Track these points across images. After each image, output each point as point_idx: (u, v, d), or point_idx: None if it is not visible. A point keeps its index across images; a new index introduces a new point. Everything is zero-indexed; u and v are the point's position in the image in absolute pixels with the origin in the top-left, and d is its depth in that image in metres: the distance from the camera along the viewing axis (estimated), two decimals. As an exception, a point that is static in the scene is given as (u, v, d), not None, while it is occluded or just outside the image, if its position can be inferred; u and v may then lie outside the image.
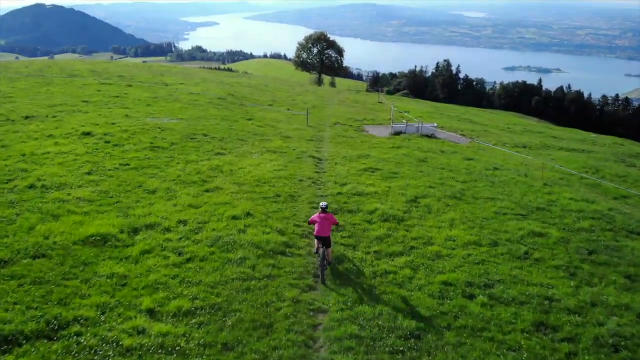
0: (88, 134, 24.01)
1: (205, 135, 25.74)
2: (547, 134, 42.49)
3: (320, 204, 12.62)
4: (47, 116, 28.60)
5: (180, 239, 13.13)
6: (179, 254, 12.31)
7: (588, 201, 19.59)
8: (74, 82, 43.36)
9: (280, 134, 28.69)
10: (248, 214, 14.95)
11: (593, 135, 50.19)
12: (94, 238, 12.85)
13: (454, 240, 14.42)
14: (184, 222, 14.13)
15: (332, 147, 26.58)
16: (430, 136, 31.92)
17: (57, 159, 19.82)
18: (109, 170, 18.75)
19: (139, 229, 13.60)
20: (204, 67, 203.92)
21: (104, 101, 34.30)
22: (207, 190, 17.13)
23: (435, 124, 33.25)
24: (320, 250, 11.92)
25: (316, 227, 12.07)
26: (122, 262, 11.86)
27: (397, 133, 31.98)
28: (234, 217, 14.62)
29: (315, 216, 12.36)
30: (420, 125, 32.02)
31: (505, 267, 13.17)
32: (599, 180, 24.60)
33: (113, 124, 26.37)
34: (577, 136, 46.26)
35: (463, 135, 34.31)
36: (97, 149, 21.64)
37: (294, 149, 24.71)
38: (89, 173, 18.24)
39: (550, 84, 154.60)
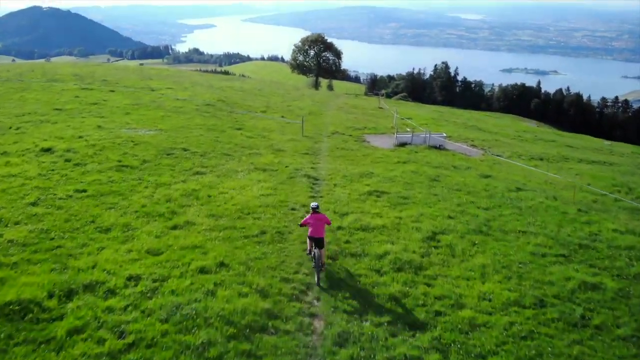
0: (48, 150, 20.56)
1: (185, 150, 22.31)
2: (560, 143, 39.17)
3: (311, 204, 12.23)
4: (10, 128, 25.17)
5: (126, 307, 9.66)
6: (120, 335, 8.86)
7: (635, 234, 16.25)
8: (52, 87, 39.91)
9: (272, 147, 25.30)
10: (222, 265, 11.51)
11: (606, 142, 47.02)
12: (11, 308, 9.43)
13: (490, 300, 11.02)
14: (136, 280, 10.66)
15: (330, 162, 23.20)
16: (439, 148, 28.58)
17: (1, 184, 16.38)
18: (60, 199, 15.29)
19: (75, 291, 10.15)
20: (200, 70, 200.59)
21: (79, 109, 30.86)
22: (174, 227, 13.69)
23: (444, 134, 29.89)
24: (314, 252, 11.53)
25: (310, 228, 11.74)
26: (39, 350, 8.44)
27: (402, 144, 28.64)
28: (203, 270, 11.16)
29: (307, 218, 11.96)
30: (427, 135, 28.65)
31: (560, 342, 9.80)
32: (635, 203, 21.24)
33: (80, 137, 22.91)
34: (591, 144, 42.98)
35: (474, 146, 30.97)
36: (53, 169, 18.17)
37: (286, 166, 21.32)
38: (33, 204, 14.79)
39: (547, 86, 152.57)
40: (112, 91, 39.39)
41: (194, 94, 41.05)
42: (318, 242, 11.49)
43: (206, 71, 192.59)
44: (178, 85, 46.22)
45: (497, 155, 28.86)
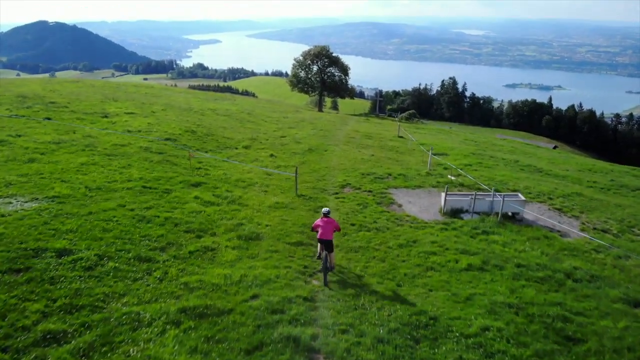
0: None
1: (62, 254, 11.18)
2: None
3: (323, 209, 12.26)
4: None
5: None
6: None
7: None
8: (-33, 113, 28.96)
9: (239, 230, 14.16)
10: None
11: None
12: None
13: None
14: None
15: (340, 270, 12.06)
16: (515, 218, 17.41)
17: None
18: None
19: None
20: (202, 85, 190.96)
21: (-38, 152, 19.86)
22: None
23: (520, 195, 18.56)
24: (323, 254, 11.48)
25: (319, 231, 11.71)
26: None
27: (456, 211, 17.46)
28: None
29: (318, 221, 11.98)
30: (497, 198, 17.37)
31: None
32: None
33: None
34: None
35: (559, 210, 19.68)
36: None
37: (253, 296, 10.18)
38: None
39: (552, 101, 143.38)
40: (48, 119, 28.47)
41: (157, 122, 30.09)
42: (327, 244, 11.56)
43: (208, 87, 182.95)
44: (144, 109, 35.26)
45: (603, 231, 17.63)
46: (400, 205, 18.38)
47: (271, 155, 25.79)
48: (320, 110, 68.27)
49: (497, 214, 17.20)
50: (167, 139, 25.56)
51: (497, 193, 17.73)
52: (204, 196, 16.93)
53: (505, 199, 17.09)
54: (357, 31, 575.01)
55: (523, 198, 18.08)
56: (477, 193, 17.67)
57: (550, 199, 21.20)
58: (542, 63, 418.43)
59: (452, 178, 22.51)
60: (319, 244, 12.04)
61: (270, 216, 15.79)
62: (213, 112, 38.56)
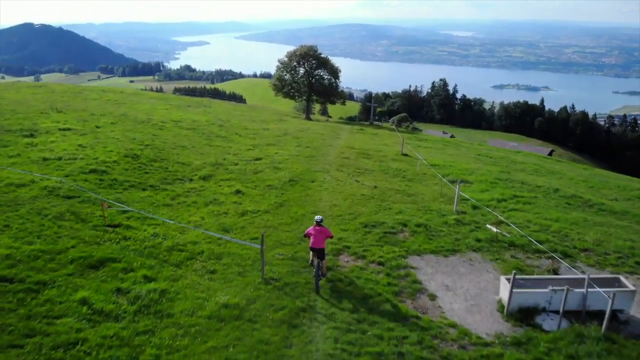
0: None
1: None
2: None
3: (315, 217, 11.90)
4: None
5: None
6: None
7: None
8: None
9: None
10: None
11: None
12: None
13: None
14: None
15: None
16: (617, 319, 10.28)
17: None
18: None
19: None
20: (188, 87, 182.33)
21: None
22: None
23: (625, 280, 11.32)
24: (315, 262, 11.29)
25: (311, 239, 11.47)
26: None
27: (527, 313, 10.26)
28: None
29: (310, 229, 11.69)
30: (594, 290, 10.17)
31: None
32: None
33: None
34: None
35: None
36: None
37: None
38: None
39: (538, 101, 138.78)
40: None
41: (92, 143, 22.53)
42: (319, 252, 11.32)
43: (194, 89, 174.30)
44: (87, 123, 27.63)
45: None
46: (433, 297, 11.11)
47: (237, 191, 18.40)
48: (307, 117, 60.61)
49: (590, 313, 10.04)
50: (91, 171, 18.05)
51: (591, 277, 10.51)
52: (96, 297, 9.53)
53: (608, 290, 9.85)
54: (346, 33, 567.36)
55: (632, 287, 10.84)
56: (563, 277, 10.44)
57: (639, 264, 14.08)
58: (530, 64, 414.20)
59: (495, 230, 15.28)
60: (311, 252, 11.65)
61: (205, 349, 8.43)
62: (175, 125, 30.99)
